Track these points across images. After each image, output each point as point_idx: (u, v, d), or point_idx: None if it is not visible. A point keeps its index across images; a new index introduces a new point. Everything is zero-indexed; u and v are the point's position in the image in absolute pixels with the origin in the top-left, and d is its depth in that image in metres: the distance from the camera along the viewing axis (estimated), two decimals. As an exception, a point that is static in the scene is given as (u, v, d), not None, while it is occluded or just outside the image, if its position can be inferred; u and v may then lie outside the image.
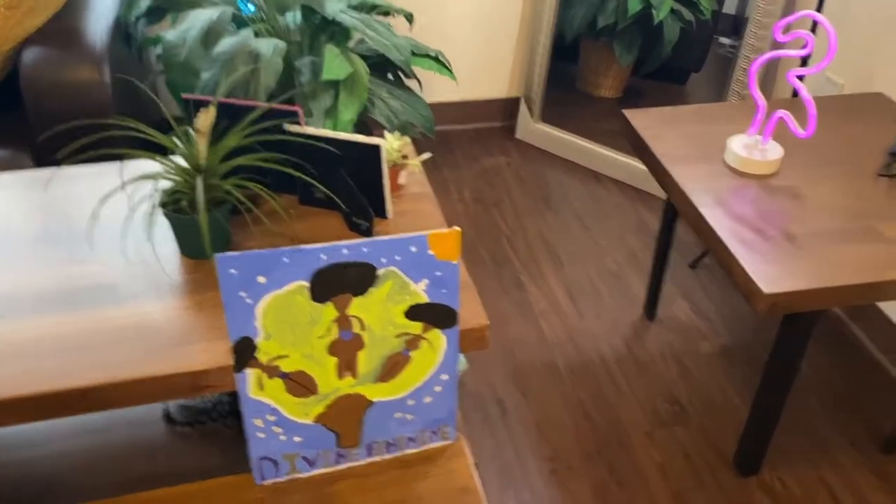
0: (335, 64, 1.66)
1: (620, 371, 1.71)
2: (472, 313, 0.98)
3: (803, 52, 1.27)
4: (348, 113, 1.73)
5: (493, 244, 2.07)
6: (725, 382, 1.70)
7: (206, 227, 0.98)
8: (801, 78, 1.34)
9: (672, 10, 2.66)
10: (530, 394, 1.65)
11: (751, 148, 1.40)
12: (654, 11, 2.58)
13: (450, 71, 1.94)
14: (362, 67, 1.79)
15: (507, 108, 2.61)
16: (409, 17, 2.08)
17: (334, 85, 1.73)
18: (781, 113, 1.35)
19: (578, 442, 1.56)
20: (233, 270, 0.83)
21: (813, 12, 1.23)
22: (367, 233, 1.11)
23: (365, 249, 0.86)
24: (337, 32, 1.85)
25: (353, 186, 1.08)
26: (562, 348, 1.77)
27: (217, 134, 1.02)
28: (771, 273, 1.16)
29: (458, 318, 0.93)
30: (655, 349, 1.77)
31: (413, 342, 0.94)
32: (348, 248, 0.86)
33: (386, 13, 2.01)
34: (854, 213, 1.29)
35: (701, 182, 1.36)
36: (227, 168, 1.01)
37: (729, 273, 1.22)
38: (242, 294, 0.85)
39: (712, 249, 1.26)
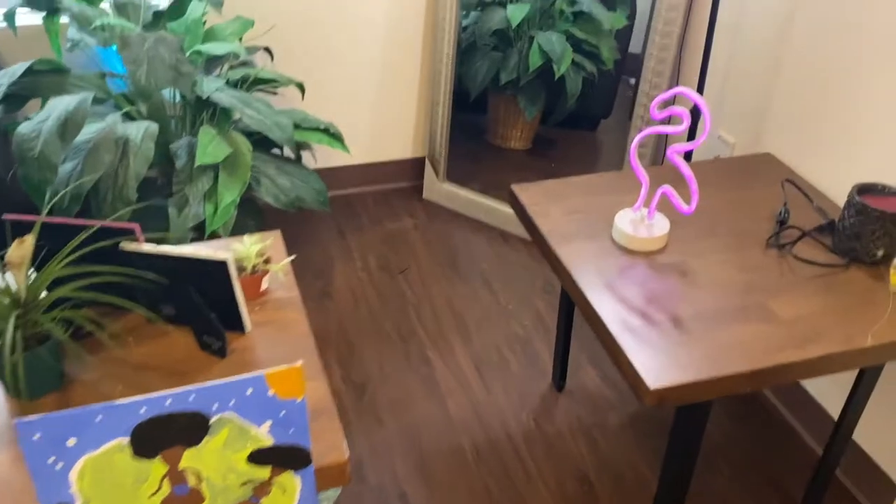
0: (210, 147, 1.57)
1: (528, 450, 1.64)
2: (329, 446, 0.90)
3: (679, 129, 1.24)
4: (230, 195, 1.64)
5: (399, 315, 1.99)
6: (635, 454, 1.65)
7: (10, 370, 0.87)
8: (688, 155, 1.31)
9: (573, 63, 2.67)
10: (435, 484, 1.57)
11: (637, 224, 1.36)
12: (554, 66, 2.58)
13: (341, 143, 1.88)
14: (245, 146, 1.70)
15: (413, 168, 2.56)
16: (301, 87, 2.02)
17: (213, 166, 1.64)
18: (664, 189, 1.32)
19: (486, 534, 1.48)
20: (37, 436, 0.73)
21: (685, 89, 1.21)
22: (220, 353, 1.01)
23: (192, 398, 0.77)
24: (219, 110, 1.77)
25: (200, 304, 0.99)
26: (469, 429, 1.69)
27: (46, 255, 0.92)
28: (657, 365, 1.11)
29: (311, 456, 0.84)
30: (564, 423, 1.71)
31: (262, 489, 0.85)
32: (173, 397, 0.76)
33: (275, 85, 1.93)
34: (743, 289, 1.26)
35: (588, 262, 1.31)
36: (50, 300, 0.91)
37: (616, 364, 1.17)
38: (52, 460, 0.75)
39: (599, 337, 1.22)
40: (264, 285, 1.10)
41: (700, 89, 1.75)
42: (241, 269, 1.08)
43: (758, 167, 1.63)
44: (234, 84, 1.79)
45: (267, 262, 1.10)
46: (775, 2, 1.63)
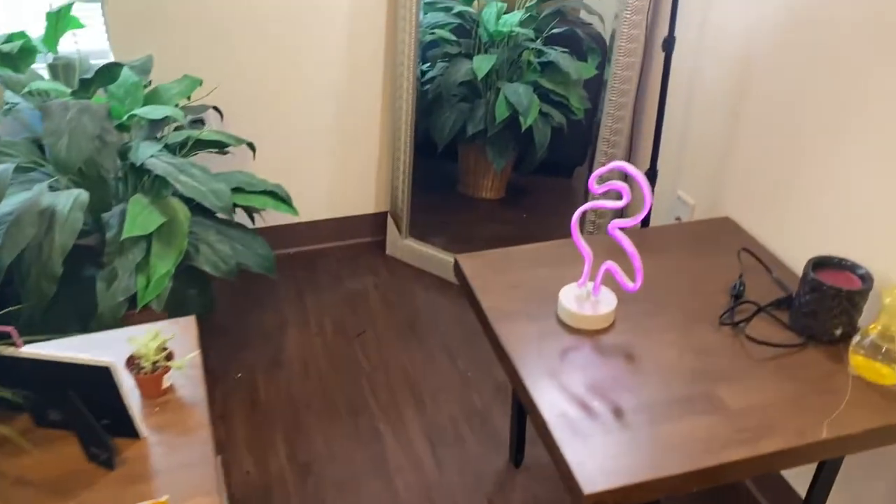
0: (140, 217, 1.50)
1: (481, 535, 1.55)
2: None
3: (619, 205, 1.17)
4: (164, 266, 1.56)
5: (350, 386, 1.90)
6: (596, 538, 1.54)
7: None
8: (646, 216, 1.24)
9: (542, 113, 2.62)
10: (378, 575, 1.46)
11: (582, 300, 1.28)
12: (521, 118, 2.53)
13: (288, 205, 1.81)
14: (182, 213, 1.63)
15: (377, 223, 2.49)
16: (252, 147, 1.95)
17: (146, 236, 1.57)
18: (608, 266, 1.25)
19: None
20: None
21: (623, 164, 1.14)
22: (107, 464, 0.92)
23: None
24: (155, 175, 1.70)
25: (83, 412, 0.90)
26: (418, 511, 1.59)
27: None
28: (594, 467, 1.02)
29: None
30: (521, 503, 1.62)
31: None
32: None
33: (223, 147, 1.87)
34: (692, 374, 1.18)
35: (529, 344, 1.23)
36: None
37: (552, 460, 1.08)
38: None
39: (537, 430, 1.13)
40: (166, 383, 1.02)
41: (655, 150, 1.69)
42: (138, 368, 0.99)
43: (716, 233, 1.56)
44: (174, 148, 1.72)
45: (169, 357, 1.02)
46: (731, 63, 1.58)
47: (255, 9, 2.01)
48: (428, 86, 2.64)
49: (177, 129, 1.88)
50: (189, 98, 1.95)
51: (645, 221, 1.75)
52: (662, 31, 1.63)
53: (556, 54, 2.61)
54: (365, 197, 2.44)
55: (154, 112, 1.62)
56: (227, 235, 1.74)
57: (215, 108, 2.00)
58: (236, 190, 1.75)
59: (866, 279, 1.22)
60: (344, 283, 2.28)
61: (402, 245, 2.39)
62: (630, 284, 1.23)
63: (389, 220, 2.39)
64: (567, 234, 1.27)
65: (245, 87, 2.11)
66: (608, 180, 1.22)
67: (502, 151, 2.72)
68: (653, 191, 1.72)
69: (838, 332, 1.23)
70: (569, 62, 2.61)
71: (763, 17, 1.47)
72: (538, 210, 2.87)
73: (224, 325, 2.08)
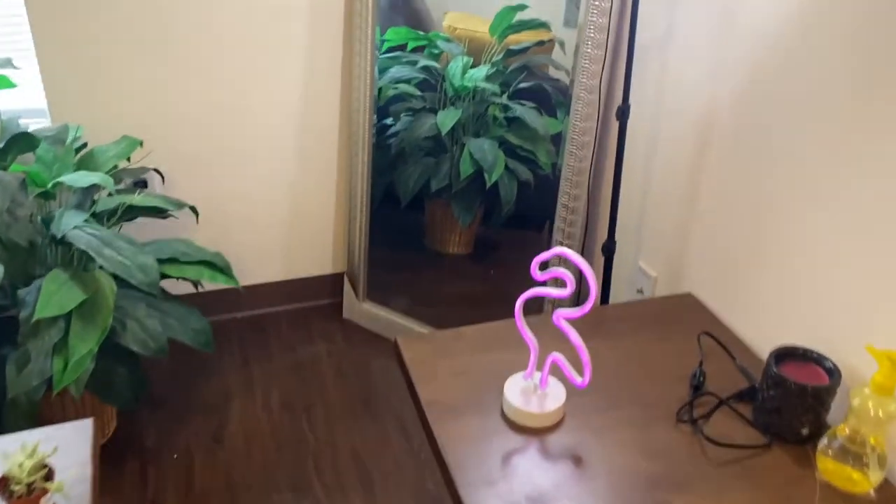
0: (57, 296, 1.38)
1: None
2: None
3: (564, 294, 1.08)
4: (84, 346, 1.44)
5: (295, 467, 1.77)
6: None
7: None
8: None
9: (508, 169, 2.55)
10: None
11: (528, 394, 1.18)
12: (486, 175, 2.45)
13: (226, 276, 1.70)
14: (108, 287, 1.52)
15: (334, 284, 2.39)
16: (195, 211, 1.85)
17: (65, 315, 1.45)
18: (554, 358, 1.15)
19: None
20: None
21: (567, 251, 1.05)
22: None
23: None
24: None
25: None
26: None
27: None
28: None
29: None
30: None
31: None
32: None
33: (161, 212, 1.77)
34: (646, 482, 1.07)
35: (469, 447, 1.12)
36: None
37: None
38: None
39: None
40: (45, 507, 0.90)
41: (613, 221, 1.60)
42: (10, 491, 0.87)
43: (677, 311, 1.47)
44: (103, 217, 1.62)
45: (49, 476, 0.90)
46: (690, 130, 1.50)
47: (205, 64, 1.93)
48: (392, 140, 2.56)
49: (109, 195, 1.78)
50: (129, 160, 1.85)
51: (605, 294, 1.65)
52: (619, 100, 1.56)
53: (523, 110, 2.55)
54: (321, 257, 2.34)
55: (81, 179, 1.52)
56: (158, 309, 1.63)
57: (156, 171, 1.90)
58: (170, 260, 1.64)
59: (833, 373, 1.13)
60: (295, 351, 2.16)
61: (360, 309, 2.28)
62: (578, 380, 1.13)
63: (346, 281, 2.29)
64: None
65: (192, 146, 2.01)
66: (552, 265, 1.13)
67: (468, 207, 2.63)
68: (612, 262, 1.62)
69: (805, 431, 1.13)
70: (535, 117, 2.55)
71: (721, 83, 1.41)
72: (507, 265, 2.78)
73: (163, 398, 1.95)
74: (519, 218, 2.79)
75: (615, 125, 1.62)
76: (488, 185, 2.44)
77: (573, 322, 1.12)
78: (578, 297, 1.98)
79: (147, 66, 1.88)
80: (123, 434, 1.83)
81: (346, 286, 2.29)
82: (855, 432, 1.05)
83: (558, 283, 1.89)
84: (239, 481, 1.73)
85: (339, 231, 2.32)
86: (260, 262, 2.26)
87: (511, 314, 1.17)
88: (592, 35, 1.65)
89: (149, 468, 1.75)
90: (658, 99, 1.59)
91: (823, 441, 1.09)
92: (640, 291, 1.69)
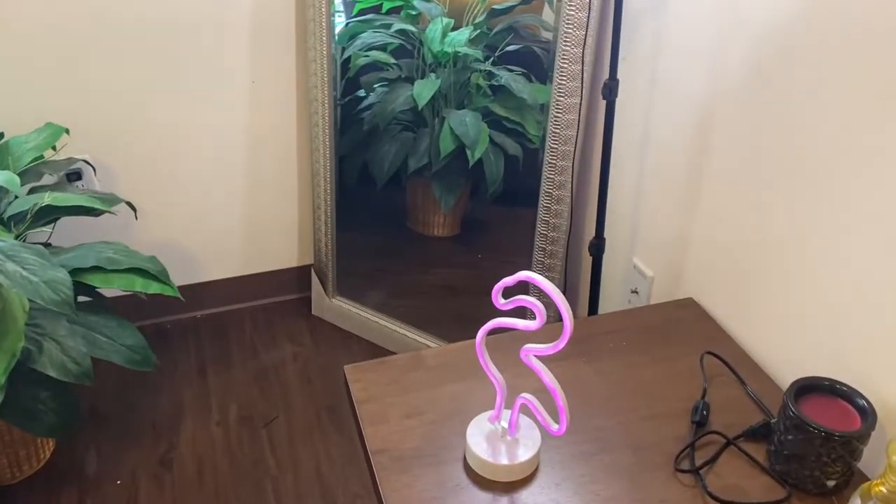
0: (-54, 323, 1.18)
1: None
2: None
3: (533, 326, 0.87)
4: (-11, 376, 1.25)
5: (251, 492, 1.59)
6: None
7: None
8: (594, 296, 0.93)
9: (493, 143, 2.32)
10: None
11: (495, 441, 0.98)
12: (468, 152, 2.23)
13: (162, 283, 1.49)
14: (18, 304, 1.31)
15: (301, 277, 2.18)
16: (132, 207, 1.64)
17: (-36, 341, 1.25)
18: (523, 399, 0.94)
19: None
20: None
21: (532, 276, 0.84)
22: None
23: None
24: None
25: None
26: None
27: None
28: None
29: None
30: None
31: None
32: None
33: (90, 211, 1.55)
34: (637, 550, 0.88)
35: (423, 508, 0.92)
36: None
37: None
38: None
39: None
40: None
41: (601, 215, 1.38)
42: None
43: (676, 322, 1.26)
44: (10, 221, 1.40)
45: None
46: (689, 111, 1.27)
47: (138, 34, 1.69)
48: (366, 114, 2.33)
49: (32, 191, 1.56)
50: (55, 149, 1.63)
51: (594, 299, 1.44)
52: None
53: (509, 77, 2.30)
54: (285, 249, 2.12)
55: (-21, 180, 1.30)
56: (83, 325, 1.43)
57: (85, 161, 1.68)
58: (94, 269, 1.43)
59: (867, 414, 0.92)
60: (257, 355, 1.96)
61: (329, 305, 2.07)
62: (554, 427, 0.92)
63: (314, 276, 2.08)
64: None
65: (129, 132, 1.78)
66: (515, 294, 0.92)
67: (451, 188, 2.41)
68: (601, 263, 1.41)
69: (831, 483, 0.93)
70: (523, 85, 2.30)
71: (727, 54, 1.17)
72: (496, 248, 2.56)
73: (106, 416, 1.76)
74: (509, 194, 2.56)
75: (604, 104, 1.39)
76: (471, 162, 2.22)
77: (545, 358, 0.91)
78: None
79: (70, 39, 1.64)
80: (60, 460, 1.64)
81: (314, 281, 2.08)
82: (895, 493, 0.85)
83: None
84: (189, 511, 1.55)
85: (305, 220, 2.11)
86: (217, 257, 2.04)
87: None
88: (575, -6, 1.41)
89: (87, 498, 1.56)
90: (652, 73, 1.35)
91: (856, 501, 0.88)
92: (635, 292, 1.47)
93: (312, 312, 2.12)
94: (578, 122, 1.49)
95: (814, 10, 1.00)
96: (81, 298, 1.56)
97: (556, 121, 1.52)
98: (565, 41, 1.45)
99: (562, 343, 0.84)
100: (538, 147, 2.37)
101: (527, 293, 1.60)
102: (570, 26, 1.43)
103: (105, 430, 1.72)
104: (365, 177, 2.28)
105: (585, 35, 1.42)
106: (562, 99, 1.49)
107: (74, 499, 1.56)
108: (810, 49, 1.02)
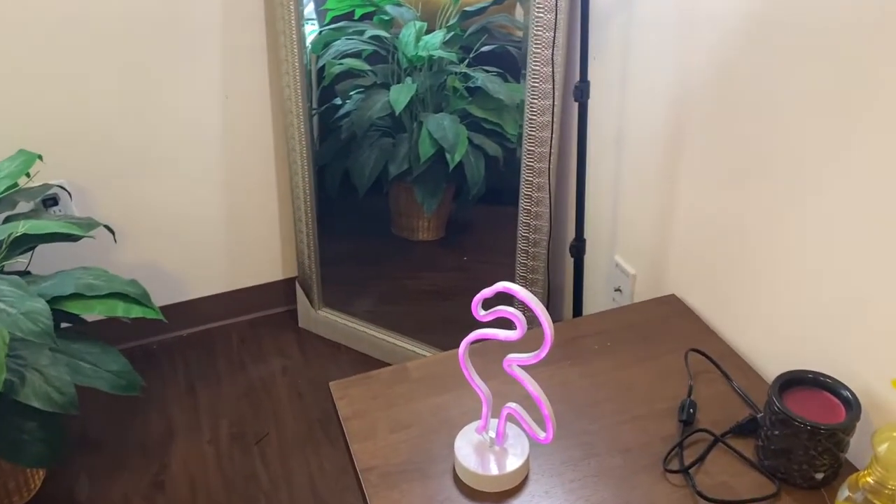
0: (-77, 360, 1.17)
1: None
2: None
3: (514, 336, 0.87)
4: (-29, 411, 1.23)
5: (246, 510, 1.59)
6: None
7: None
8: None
9: (473, 145, 2.31)
10: None
11: (483, 451, 0.97)
12: (447, 156, 2.22)
13: (144, 306, 1.47)
14: (0, 335, 1.30)
15: (287, 290, 2.17)
16: (111, 230, 1.62)
17: (-56, 377, 1.24)
18: (510, 409, 0.94)
19: None
20: None
21: (511, 287, 0.83)
22: None
23: None
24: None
25: None
26: None
27: None
28: None
29: None
30: None
31: None
32: None
33: (68, 237, 1.54)
34: (629, 554, 0.88)
35: (414, 523, 0.92)
36: None
37: None
38: None
39: None
40: None
41: (580, 214, 1.38)
42: None
43: (659, 319, 1.26)
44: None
45: None
46: (661, 106, 1.27)
47: (107, 55, 1.67)
48: (344, 122, 2.32)
49: (7, 219, 1.55)
50: (28, 176, 1.62)
51: (578, 300, 1.44)
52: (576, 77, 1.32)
53: (485, 77, 2.30)
54: (268, 262, 2.11)
55: (-48, 213, 1.29)
56: (66, 353, 1.41)
57: (61, 187, 1.67)
58: (74, 297, 1.42)
59: (852, 405, 0.92)
60: (246, 370, 1.95)
61: (316, 317, 2.06)
62: (541, 436, 0.92)
63: (299, 289, 2.07)
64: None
65: (105, 154, 1.76)
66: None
67: (432, 192, 2.40)
68: (582, 264, 1.41)
69: (819, 475, 0.94)
70: (499, 86, 2.30)
71: (694, 53, 1.17)
72: (481, 249, 2.56)
73: (97, 441, 1.74)
74: (492, 194, 2.56)
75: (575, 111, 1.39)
76: (451, 166, 2.21)
77: (529, 366, 0.91)
78: (549, 301, 1.76)
79: (38, 64, 1.63)
80: (51, 488, 1.63)
81: (300, 294, 2.07)
82: (881, 484, 0.85)
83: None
84: (183, 533, 1.54)
85: (287, 232, 2.09)
86: (199, 275, 2.03)
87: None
88: (543, -5, 1.41)
89: (80, 526, 1.55)
90: (623, 72, 1.35)
91: (844, 492, 0.89)
92: (619, 290, 1.48)
93: (299, 325, 2.11)
94: (552, 123, 1.49)
95: (773, 1, 1.00)
96: (63, 325, 1.56)
97: (530, 122, 1.52)
98: (536, 43, 1.44)
99: (543, 352, 0.84)
100: (518, 146, 2.38)
101: (509, 301, 1.60)
102: (539, 28, 1.43)
103: (96, 455, 1.71)
104: (346, 185, 2.27)
105: (554, 36, 1.42)
106: (535, 101, 1.49)
107: (67, 527, 1.55)
108: (774, 42, 1.02)
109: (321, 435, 1.76)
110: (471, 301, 0.87)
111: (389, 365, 1.17)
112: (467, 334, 0.91)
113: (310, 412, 1.82)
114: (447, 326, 2.20)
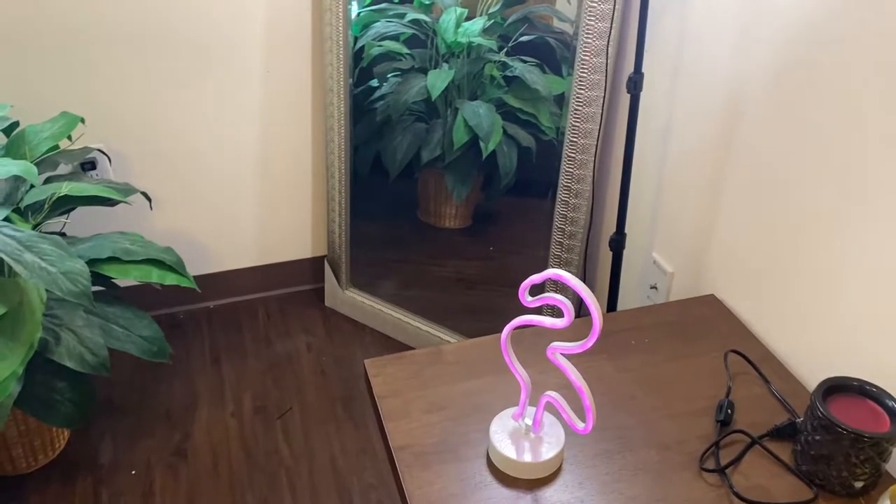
0: (-36, 314, 1.18)
1: None
2: None
3: (561, 324, 0.86)
4: (7, 366, 1.24)
5: (266, 484, 1.59)
6: None
7: None
8: (613, 296, 0.92)
9: (507, 135, 2.30)
10: None
11: (519, 438, 0.97)
12: (481, 144, 2.21)
13: (179, 274, 1.48)
14: (36, 294, 1.31)
15: (315, 268, 2.17)
16: (147, 197, 1.63)
17: (-18, 331, 1.25)
18: (548, 397, 0.93)
19: None
20: None
21: (561, 274, 0.83)
22: None
23: None
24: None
25: None
26: None
27: None
28: None
29: None
30: None
31: None
32: None
33: (106, 201, 1.55)
34: (662, 549, 0.87)
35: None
36: None
37: None
38: None
39: None
40: None
41: (623, 210, 1.37)
42: None
43: (698, 319, 1.24)
44: (29, 212, 1.40)
45: None
46: (714, 101, 1.25)
47: (156, 28, 1.67)
48: (379, 104, 2.32)
49: (48, 180, 1.56)
50: (70, 139, 1.63)
51: (613, 295, 1.43)
52: (630, 67, 1.30)
53: (523, 68, 2.28)
54: (299, 240, 2.11)
55: (-3, 170, 1.29)
56: (100, 316, 1.42)
57: (101, 151, 1.68)
58: (111, 260, 1.43)
59: (896, 415, 0.91)
60: (272, 345, 1.96)
61: (343, 297, 2.07)
62: (580, 426, 0.92)
63: (327, 267, 2.07)
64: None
65: (146, 123, 1.77)
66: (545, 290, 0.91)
67: (463, 179, 2.40)
68: (621, 259, 1.39)
69: (859, 484, 0.92)
70: (537, 77, 2.28)
71: (751, 55, 1.15)
72: (508, 240, 2.55)
73: (122, 406, 1.76)
74: (522, 185, 2.54)
75: (626, 97, 1.37)
76: (485, 154, 2.20)
77: (573, 357, 0.90)
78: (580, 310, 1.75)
79: (87, 31, 1.63)
80: (75, 449, 1.64)
81: (328, 272, 2.07)
82: (926, 496, 0.84)
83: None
84: (203, 501, 1.55)
85: (319, 211, 2.09)
86: (230, 248, 2.04)
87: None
88: (598, -14, 1.39)
89: (102, 488, 1.56)
90: (675, 65, 1.33)
91: (885, 502, 0.88)
92: (654, 288, 1.46)
93: (325, 303, 2.11)
94: (602, 115, 1.47)
95: None
96: (95, 288, 1.57)
97: (576, 114, 1.50)
98: (587, 33, 1.43)
99: (590, 342, 0.84)
100: (552, 139, 2.36)
101: (543, 291, 1.59)
102: (592, 18, 1.42)
103: (120, 419, 1.72)
104: (377, 167, 2.27)
105: (611, 27, 1.40)
106: (583, 92, 1.47)
107: (89, 488, 1.57)
108: (840, 36, 1.00)
109: (342, 413, 1.76)
110: (495, 290, 0.87)
111: (412, 348, 1.17)
112: (491, 323, 0.90)
113: (332, 390, 1.83)
114: (471, 314, 2.19)
